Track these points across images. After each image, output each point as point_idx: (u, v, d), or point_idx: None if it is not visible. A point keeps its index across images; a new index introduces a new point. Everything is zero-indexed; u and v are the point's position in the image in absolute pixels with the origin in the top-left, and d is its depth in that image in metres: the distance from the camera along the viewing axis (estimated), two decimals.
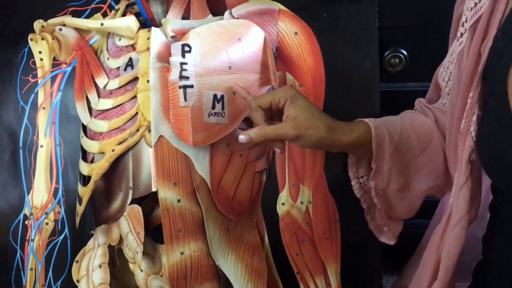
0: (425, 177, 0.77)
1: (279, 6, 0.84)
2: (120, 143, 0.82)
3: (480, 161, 0.61)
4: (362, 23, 0.84)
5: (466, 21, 0.61)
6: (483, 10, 0.58)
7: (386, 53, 0.94)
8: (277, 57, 0.84)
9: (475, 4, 0.59)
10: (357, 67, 0.84)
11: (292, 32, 0.84)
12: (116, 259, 0.88)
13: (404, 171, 0.76)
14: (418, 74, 0.95)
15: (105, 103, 0.84)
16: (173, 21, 0.82)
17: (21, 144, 0.86)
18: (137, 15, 0.85)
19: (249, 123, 0.83)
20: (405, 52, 0.93)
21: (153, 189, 0.81)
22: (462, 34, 0.62)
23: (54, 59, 0.87)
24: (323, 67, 0.84)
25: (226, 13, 0.82)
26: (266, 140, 0.70)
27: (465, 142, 0.60)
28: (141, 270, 0.84)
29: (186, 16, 0.84)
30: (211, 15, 0.83)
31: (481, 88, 0.58)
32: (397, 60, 0.93)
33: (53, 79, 0.87)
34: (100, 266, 0.84)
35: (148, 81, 0.81)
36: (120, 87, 0.83)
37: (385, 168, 0.75)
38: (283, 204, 0.85)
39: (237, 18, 0.82)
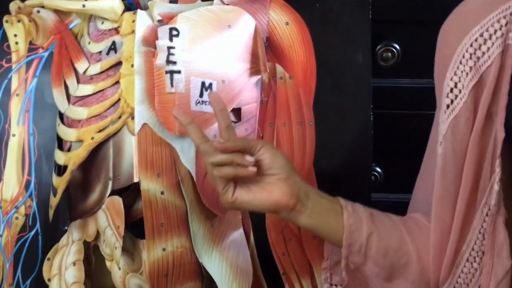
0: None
1: None
2: (100, 131, 0.78)
3: None
4: (355, 16, 0.83)
5: (455, 87, 0.59)
6: (484, 68, 0.57)
7: (379, 47, 0.93)
8: (267, 47, 0.82)
9: (474, 63, 0.58)
10: (349, 60, 0.83)
11: (283, 22, 0.82)
12: (92, 257, 0.84)
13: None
14: (410, 69, 0.94)
15: (85, 89, 0.80)
16: (160, 4, 0.79)
17: None
18: None
19: (238, 114, 0.81)
20: (397, 47, 0.93)
21: (135, 180, 0.78)
22: (452, 101, 0.60)
23: (31, 43, 0.83)
24: (314, 59, 0.83)
25: None
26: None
27: (497, 220, 0.59)
28: (119, 268, 0.80)
29: (173, 0, 0.81)
30: (200, 0, 0.81)
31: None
32: (390, 54, 0.93)
33: (28, 64, 0.83)
34: (74, 264, 0.80)
35: (132, 66, 0.77)
36: (101, 72, 0.80)
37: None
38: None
39: (227, 4, 0.80)
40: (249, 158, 0.63)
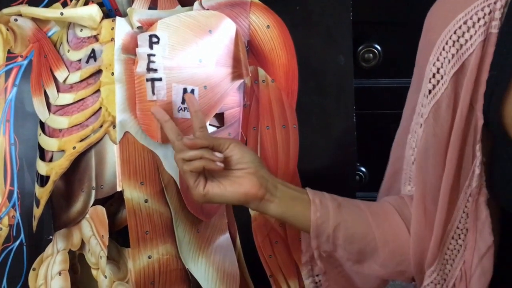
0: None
1: None
2: (81, 140, 0.77)
3: (506, 206, 0.61)
4: (336, 17, 0.83)
5: (437, 72, 0.60)
6: (466, 56, 0.58)
7: (360, 48, 0.93)
8: (249, 51, 0.82)
9: (457, 51, 0.58)
10: (331, 61, 0.83)
11: (264, 25, 0.81)
12: (77, 266, 0.83)
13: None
14: (391, 69, 0.95)
15: (65, 98, 0.79)
16: (139, 11, 0.78)
17: None
18: (100, 5, 0.81)
19: (221, 118, 0.80)
20: (378, 47, 0.93)
21: (118, 189, 0.77)
22: (434, 86, 0.61)
23: (9, 51, 0.82)
24: (296, 62, 0.83)
25: (196, 4, 0.80)
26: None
27: (478, 200, 0.61)
28: (105, 277, 0.79)
29: (152, 7, 0.80)
30: (179, 6, 0.80)
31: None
32: (371, 55, 0.93)
33: (7, 73, 0.82)
34: (60, 274, 0.79)
35: (112, 74, 0.76)
36: (81, 81, 0.78)
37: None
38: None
39: (207, 9, 0.79)
40: (218, 154, 0.66)
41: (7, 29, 0.82)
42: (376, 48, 0.93)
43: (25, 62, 0.82)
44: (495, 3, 0.56)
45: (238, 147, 0.68)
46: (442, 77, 0.60)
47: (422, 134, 0.63)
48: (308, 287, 0.77)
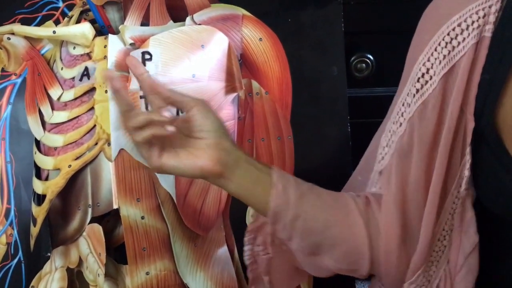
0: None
1: (243, 11, 0.82)
2: (77, 158, 0.77)
3: (495, 210, 0.60)
4: (328, 29, 0.83)
5: (427, 72, 0.60)
6: (457, 58, 0.58)
7: (353, 58, 0.93)
8: (242, 64, 0.82)
9: (449, 52, 0.58)
10: (324, 72, 0.83)
11: (256, 38, 0.82)
12: (76, 283, 0.83)
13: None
14: (385, 78, 0.94)
15: (60, 116, 0.79)
16: (131, 28, 0.78)
17: None
18: (93, 22, 0.81)
19: None
20: (371, 57, 0.93)
21: (115, 206, 0.77)
22: (422, 86, 0.60)
23: (3, 70, 0.82)
24: (289, 74, 0.83)
25: (188, 19, 0.80)
26: None
27: (465, 201, 0.61)
28: None
29: (145, 23, 0.80)
30: (171, 21, 0.80)
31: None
32: (364, 65, 0.93)
33: (1, 91, 0.82)
34: None
35: (106, 91, 0.76)
36: (75, 99, 0.79)
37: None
38: (252, 216, 0.82)
39: (199, 24, 0.79)
40: (167, 114, 0.61)
41: (0, 48, 0.82)
42: (369, 58, 0.93)
43: (19, 80, 0.82)
44: (490, 7, 0.56)
45: (202, 111, 0.61)
46: (431, 78, 0.59)
47: (403, 133, 0.62)
48: (245, 254, 0.73)
